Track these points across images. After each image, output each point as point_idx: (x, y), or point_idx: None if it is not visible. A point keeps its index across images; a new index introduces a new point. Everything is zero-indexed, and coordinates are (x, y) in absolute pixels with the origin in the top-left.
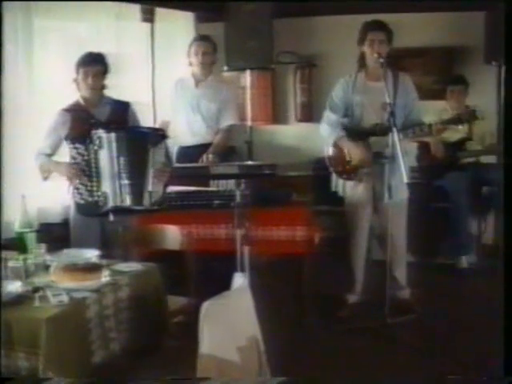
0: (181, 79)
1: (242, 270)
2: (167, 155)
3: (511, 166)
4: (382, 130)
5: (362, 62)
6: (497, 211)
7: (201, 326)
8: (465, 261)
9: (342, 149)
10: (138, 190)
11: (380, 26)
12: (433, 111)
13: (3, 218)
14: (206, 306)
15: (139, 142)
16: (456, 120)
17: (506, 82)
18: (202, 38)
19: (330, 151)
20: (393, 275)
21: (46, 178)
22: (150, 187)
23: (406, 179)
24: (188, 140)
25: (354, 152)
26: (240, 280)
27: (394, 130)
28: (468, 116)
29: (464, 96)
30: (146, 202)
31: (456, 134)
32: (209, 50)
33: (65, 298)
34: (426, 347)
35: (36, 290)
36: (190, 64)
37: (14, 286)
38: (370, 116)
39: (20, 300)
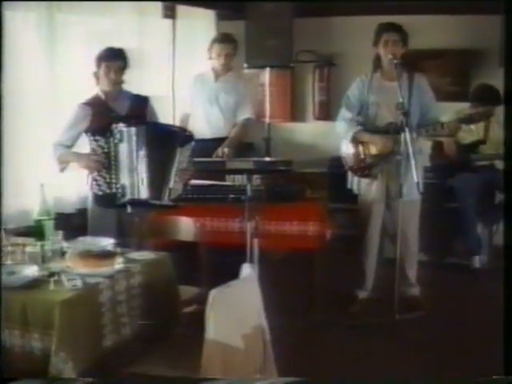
0: (200, 74)
1: (252, 262)
2: (191, 156)
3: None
4: (396, 129)
5: (377, 63)
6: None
7: (207, 313)
8: (477, 261)
9: (357, 146)
10: (157, 184)
11: (394, 28)
12: (450, 112)
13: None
14: (213, 294)
15: (165, 139)
16: (468, 119)
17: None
18: (224, 40)
19: (345, 148)
20: (403, 273)
21: (62, 170)
22: (171, 184)
23: (415, 179)
24: (206, 133)
25: (374, 142)
26: (248, 270)
27: (407, 129)
28: (480, 116)
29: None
30: (165, 197)
31: (470, 136)
32: (230, 52)
33: (79, 283)
34: (434, 345)
35: (52, 274)
36: (211, 58)
37: (31, 270)
38: (385, 115)
39: (36, 284)
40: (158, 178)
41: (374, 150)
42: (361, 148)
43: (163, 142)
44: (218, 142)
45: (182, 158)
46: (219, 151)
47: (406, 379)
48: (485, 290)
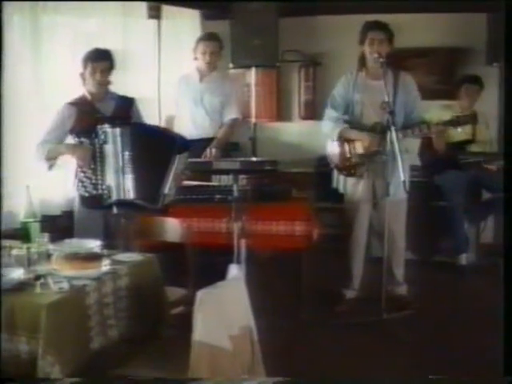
0: (185, 75)
1: (239, 263)
2: (186, 163)
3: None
4: (382, 129)
5: (362, 61)
6: (495, 213)
7: (195, 314)
8: (464, 259)
9: (343, 144)
10: (150, 188)
11: (380, 26)
12: (436, 110)
13: (3, 209)
14: (201, 295)
15: (159, 143)
16: (455, 122)
17: (506, 83)
18: (209, 38)
19: (331, 147)
20: (391, 272)
21: (51, 167)
22: (166, 190)
23: (402, 177)
24: (192, 133)
25: (361, 139)
26: (235, 271)
27: (393, 128)
28: (467, 119)
29: (477, 97)
30: (159, 203)
31: (459, 134)
32: (216, 50)
33: (65, 285)
34: (422, 343)
35: (38, 277)
36: (196, 59)
37: (17, 274)
38: (370, 114)
39: (22, 287)
40: (149, 182)
41: (360, 148)
42: (347, 147)
43: (153, 144)
44: (204, 142)
45: (179, 165)
46: (207, 152)
47: (397, 379)
48: (472, 287)
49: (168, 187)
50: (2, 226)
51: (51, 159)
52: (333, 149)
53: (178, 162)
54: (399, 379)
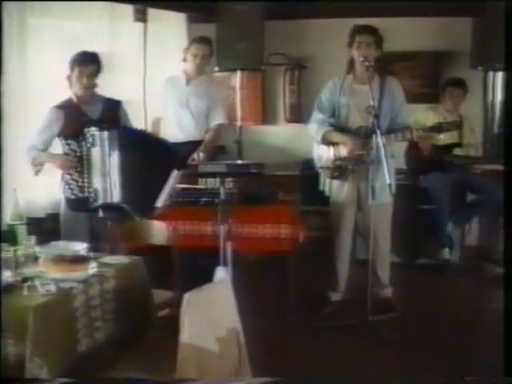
0: (172, 77)
1: (225, 265)
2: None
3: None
4: (367, 133)
5: (350, 65)
6: (480, 216)
7: (182, 317)
8: (448, 261)
9: (328, 147)
10: (141, 197)
11: (368, 30)
12: (421, 113)
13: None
14: (187, 297)
15: (161, 157)
16: (437, 128)
17: (507, 86)
18: (202, 41)
19: (316, 150)
20: (376, 274)
21: (37, 172)
22: (159, 203)
23: (388, 181)
24: (177, 136)
25: (345, 142)
26: (221, 273)
27: (378, 132)
28: (450, 126)
29: (461, 100)
30: (150, 215)
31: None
32: (207, 54)
33: (52, 288)
34: (407, 345)
35: (25, 279)
36: (185, 60)
37: (4, 276)
38: (356, 118)
39: (9, 289)
40: (139, 188)
41: (344, 151)
42: (331, 149)
43: (146, 151)
44: (190, 145)
45: (175, 180)
46: (195, 156)
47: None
48: (457, 289)
49: (162, 199)
50: None
51: (36, 165)
52: (318, 151)
53: (175, 177)
54: (397, 380)
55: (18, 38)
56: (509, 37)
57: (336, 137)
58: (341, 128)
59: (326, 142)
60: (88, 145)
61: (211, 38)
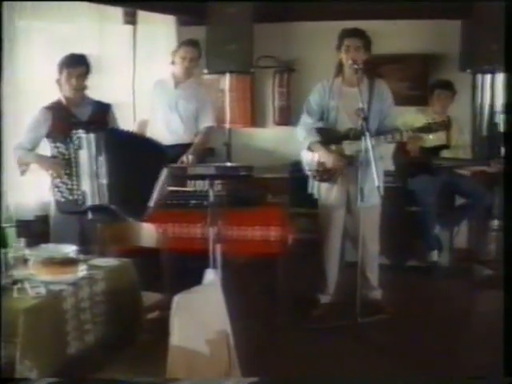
0: (160, 80)
1: (215, 267)
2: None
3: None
4: (356, 135)
5: (339, 68)
6: (469, 219)
7: (171, 319)
8: (438, 263)
9: (314, 154)
10: (131, 198)
11: (356, 33)
12: (410, 115)
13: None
14: (177, 300)
15: (147, 155)
16: (426, 129)
17: (507, 87)
18: (190, 43)
19: (305, 153)
20: (365, 276)
21: (23, 173)
22: (151, 203)
23: (376, 183)
24: (166, 139)
25: (325, 158)
26: (211, 276)
27: (367, 134)
28: (439, 126)
29: (449, 102)
30: (142, 216)
31: (433, 139)
32: (195, 56)
33: (42, 290)
34: (397, 347)
35: (15, 282)
36: (173, 63)
37: None
38: (345, 121)
39: None
40: (129, 190)
41: (328, 164)
42: (317, 157)
43: (133, 151)
44: (179, 148)
45: (165, 177)
46: (184, 158)
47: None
48: (446, 291)
49: (153, 199)
50: None
51: (22, 165)
52: (307, 154)
53: (165, 175)
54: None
55: (8, 40)
56: (508, 38)
57: (320, 150)
58: (329, 132)
59: (312, 150)
60: (75, 147)
61: (200, 41)
